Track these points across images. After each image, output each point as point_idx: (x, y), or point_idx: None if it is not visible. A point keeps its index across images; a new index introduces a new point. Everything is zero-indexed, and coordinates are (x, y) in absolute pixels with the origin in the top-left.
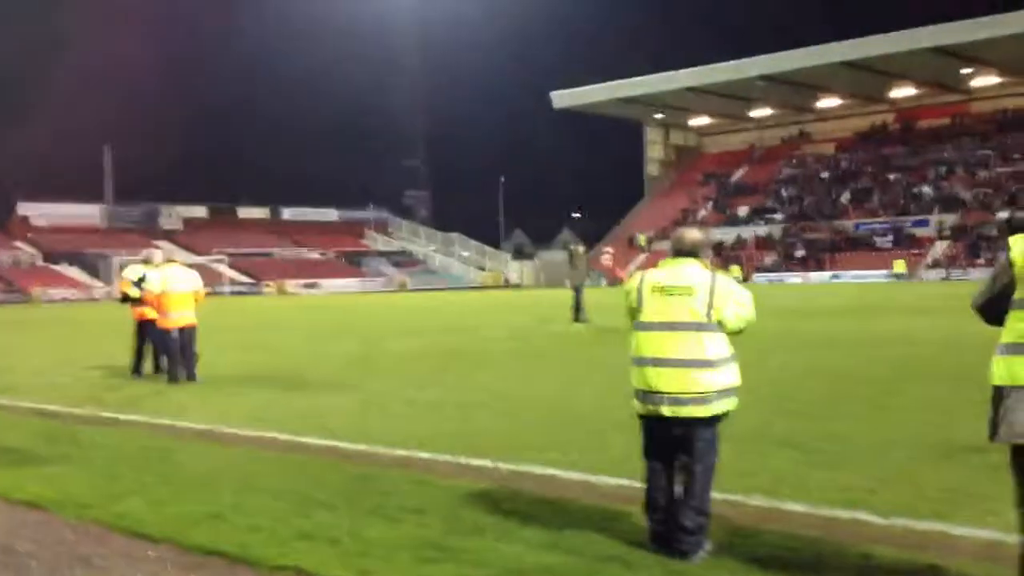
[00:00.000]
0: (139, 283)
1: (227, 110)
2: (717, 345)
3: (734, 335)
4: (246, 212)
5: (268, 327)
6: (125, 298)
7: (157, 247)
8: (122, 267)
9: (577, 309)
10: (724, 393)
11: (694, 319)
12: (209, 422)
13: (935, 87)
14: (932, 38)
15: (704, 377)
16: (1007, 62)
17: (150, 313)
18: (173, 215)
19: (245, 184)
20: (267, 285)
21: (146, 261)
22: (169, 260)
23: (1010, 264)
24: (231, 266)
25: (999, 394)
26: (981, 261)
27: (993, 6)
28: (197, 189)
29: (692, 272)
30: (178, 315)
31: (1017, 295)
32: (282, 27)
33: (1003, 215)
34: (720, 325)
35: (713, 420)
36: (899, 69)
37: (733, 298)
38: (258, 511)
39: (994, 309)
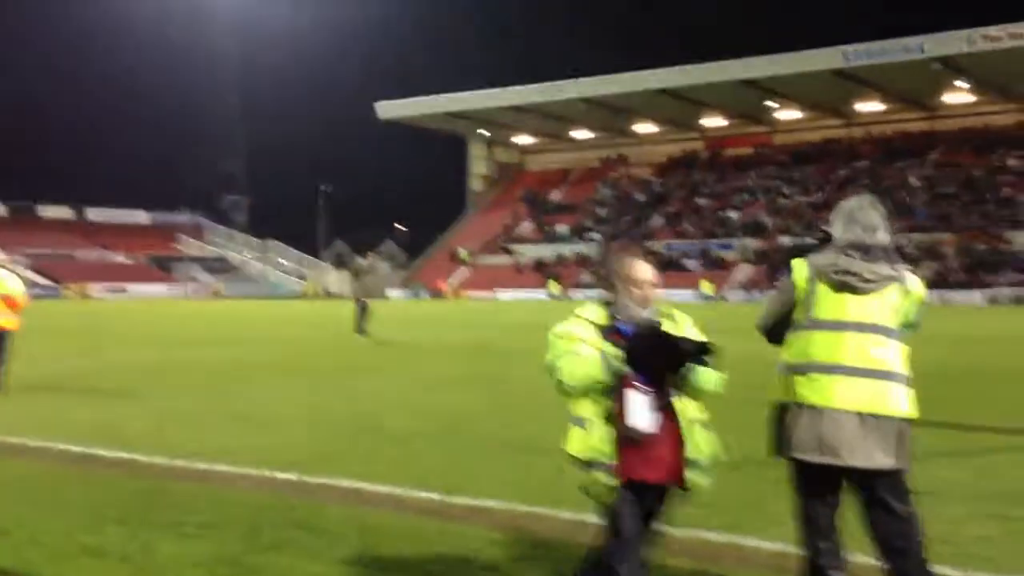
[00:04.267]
0: None
1: (28, 103)
2: None
3: None
4: (48, 211)
5: (64, 333)
6: None
7: None
8: None
9: (363, 321)
10: None
11: None
12: None
13: (742, 118)
14: (738, 71)
15: None
16: (805, 97)
17: None
18: None
19: (47, 182)
20: (67, 288)
21: None
22: None
23: (792, 287)
24: (30, 268)
25: (781, 411)
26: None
27: (799, 43)
28: None
29: None
30: None
31: (796, 316)
32: (91, 17)
33: (787, 241)
34: None
35: None
36: (709, 99)
37: None
38: (43, 525)
39: (777, 329)
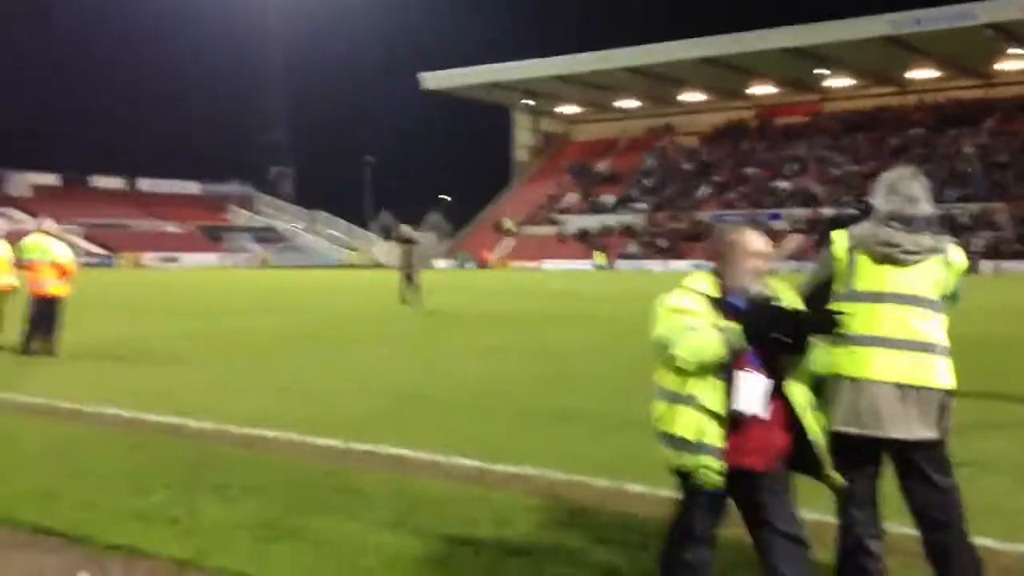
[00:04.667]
0: None
1: (82, 74)
2: None
3: None
4: (101, 181)
5: (117, 302)
6: None
7: (3, 215)
8: None
9: (408, 291)
10: None
11: None
12: (48, 397)
13: (791, 86)
14: (787, 39)
15: None
16: (857, 65)
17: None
18: (22, 182)
19: (100, 152)
20: (121, 257)
21: None
22: (39, 228)
23: (832, 259)
24: (84, 237)
25: (819, 383)
26: None
27: (849, 10)
28: (48, 156)
29: None
30: (43, 285)
31: (836, 288)
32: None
33: (828, 211)
34: None
35: None
36: (758, 67)
37: None
38: (94, 489)
39: (816, 301)
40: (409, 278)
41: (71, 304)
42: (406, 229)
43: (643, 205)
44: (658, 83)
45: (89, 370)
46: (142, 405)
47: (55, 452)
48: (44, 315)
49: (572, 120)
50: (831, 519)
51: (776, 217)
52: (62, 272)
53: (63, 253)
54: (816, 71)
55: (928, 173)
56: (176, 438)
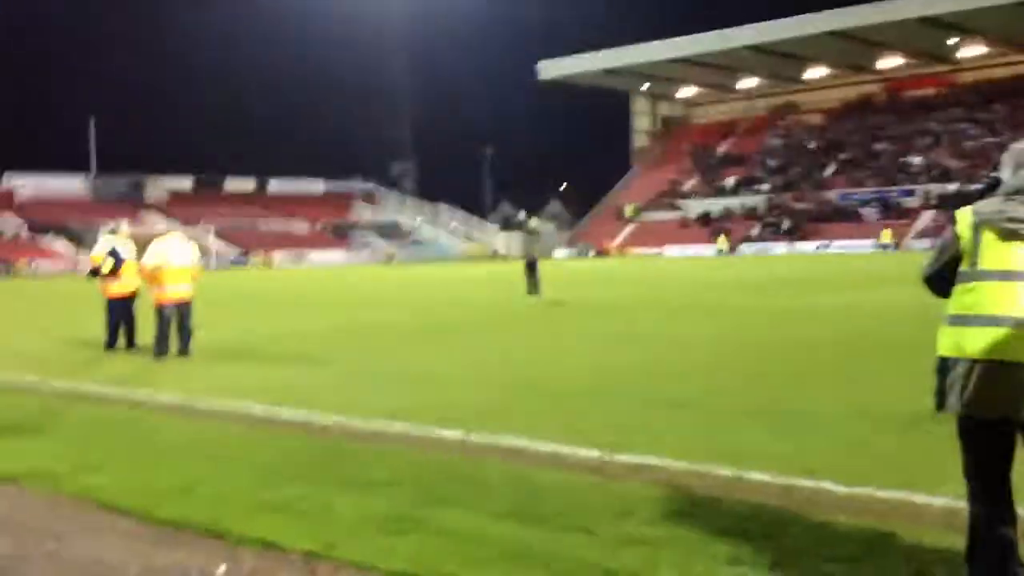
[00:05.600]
0: (112, 255)
1: (212, 82)
2: None
3: None
4: (232, 184)
5: (251, 300)
6: (95, 272)
7: (142, 220)
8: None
9: (534, 282)
10: None
11: None
12: (185, 395)
13: (922, 57)
14: (919, 7)
15: None
16: (993, 32)
17: (115, 289)
18: (158, 186)
19: (231, 155)
20: (253, 257)
21: (113, 232)
22: (167, 232)
23: (956, 237)
24: (218, 237)
25: (944, 365)
26: None
27: None
28: (183, 160)
29: None
30: (175, 289)
31: (963, 267)
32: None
33: (949, 187)
34: None
35: None
36: (886, 39)
37: None
38: (228, 483)
39: (942, 280)
40: (532, 267)
41: (211, 305)
42: (530, 219)
43: (766, 186)
44: (782, 60)
45: (223, 367)
46: (274, 400)
47: (191, 448)
48: (183, 318)
49: (691, 103)
50: (962, 504)
51: (909, 194)
52: (185, 276)
53: (183, 260)
54: (949, 40)
55: None
56: (307, 432)
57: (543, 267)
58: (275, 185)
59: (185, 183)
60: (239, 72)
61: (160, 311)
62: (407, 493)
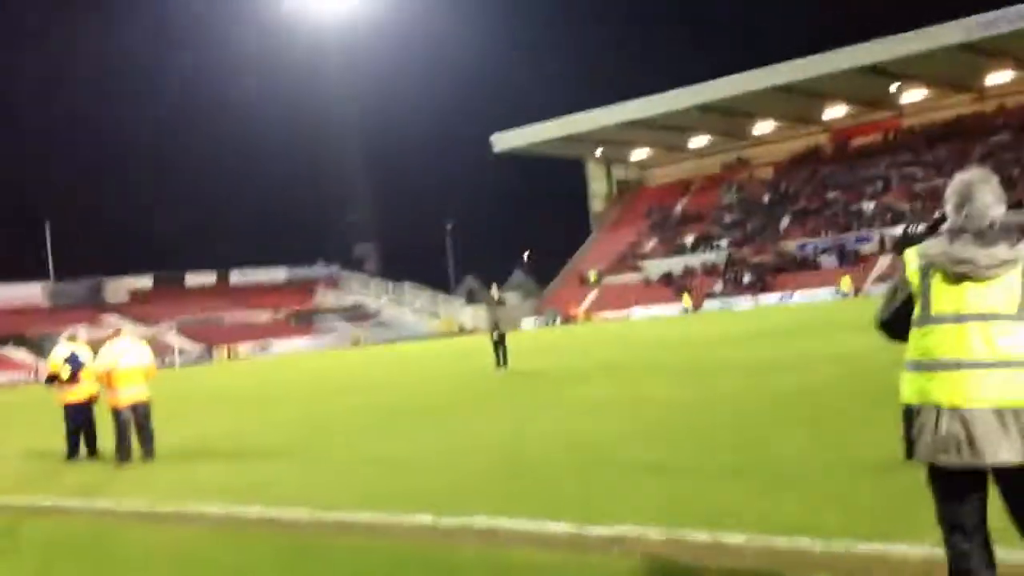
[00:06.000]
0: (71, 361)
1: (167, 179)
2: None
3: None
4: (193, 278)
5: (215, 397)
6: (51, 379)
7: (104, 322)
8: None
9: (501, 354)
10: None
11: None
12: (148, 500)
13: (866, 105)
14: (859, 57)
15: None
16: (934, 76)
17: (72, 396)
18: (118, 288)
19: (191, 249)
20: (217, 351)
21: (71, 338)
22: (116, 333)
23: (906, 281)
24: (181, 334)
25: (909, 412)
26: None
27: (916, 22)
28: (143, 258)
29: None
30: (128, 391)
31: (916, 312)
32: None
33: (897, 230)
34: None
35: None
36: (830, 89)
37: None
38: None
39: (897, 326)
40: (500, 340)
41: (175, 404)
42: (490, 292)
43: (724, 242)
44: (730, 117)
45: (187, 469)
46: (239, 498)
47: (156, 557)
48: (141, 421)
49: (645, 165)
50: (940, 552)
51: (865, 240)
52: (145, 377)
53: (134, 360)
54: (890, 87)
55: (1015, 178)
56: (272, 530)
57: (511, 339)
58: (237, 276)
59: (145, 282)
60: (195, 165)
61: (116, 415)
62: None
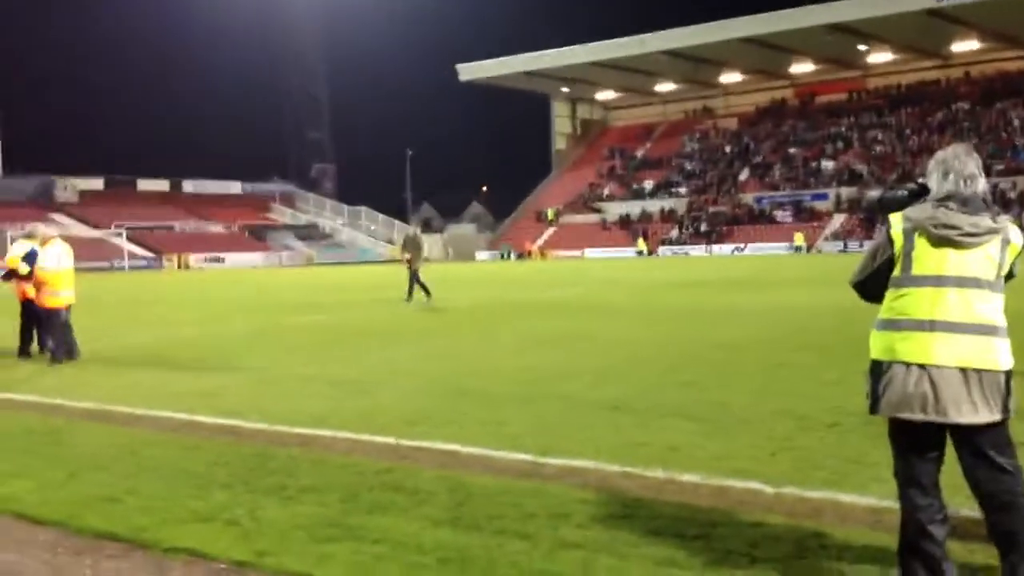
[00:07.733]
0: (27, 259)
1: (126, 80)
2: None
3: None
4: (146, 184)
5: (165, 303)
6: (9, 275)
7: (52, 221)
8: (12, 241)
9: (411, 288)
10: None
11: None
12: (102, 401)
13: (833, 63)
14: (828, 15)
15: None
16: (901, 39)
17: (32, 292)
18: (68, 187)
19: (144, 156)
20: (168, 259)
21: (30, 236)
22: (53, 237)
23: (890, 242)
24: (130, 239)
25: (878, 368)
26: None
27: None
28: (94, 161)
29: None
30: (67, 292)
31: (895, 273)
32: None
33: (874, 194)
34: None
35: None
36: (798, 45)
37: None
38: (153, 493)
39: (874, 286)
40: (414, 276)
41: (123, 308)
42: (409, 231)
43: (684, 190)
44: (697, 65)
45: (139, 374)
46: (196, 407)
47: (113, 456)
48: (68, 322)
49: (610, 106)
50: (888, 503)
51: (822, 197)
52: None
53: (52, 263)
54: (858, 47)
55: (976, 148)
56: (232, 439)
57: (458, 269)
58: (190, 186)
59: (96, 183)
60: (153, 73)
61: (56, 315)
62: (338, 500)
